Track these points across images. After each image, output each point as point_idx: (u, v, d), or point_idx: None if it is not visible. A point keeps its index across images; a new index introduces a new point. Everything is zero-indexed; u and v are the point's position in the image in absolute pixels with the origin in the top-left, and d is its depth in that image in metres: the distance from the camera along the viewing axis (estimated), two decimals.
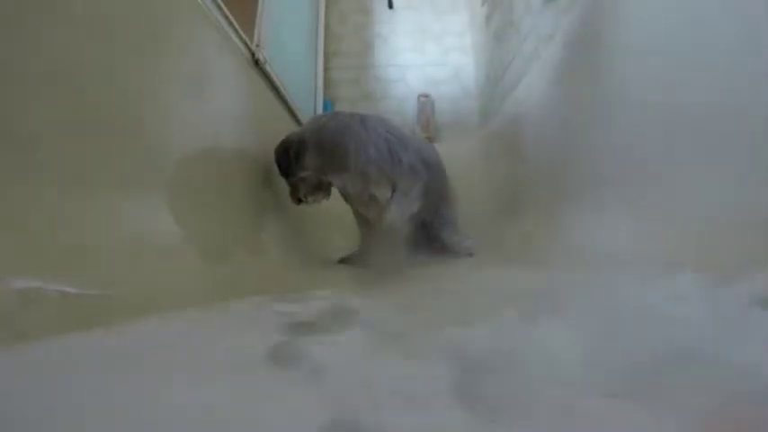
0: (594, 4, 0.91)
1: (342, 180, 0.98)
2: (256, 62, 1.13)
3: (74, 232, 0.45)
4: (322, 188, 1.00)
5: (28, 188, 0.42)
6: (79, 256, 0.45)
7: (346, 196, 1.07)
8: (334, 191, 1.05)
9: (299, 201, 1.00)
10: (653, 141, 0.69)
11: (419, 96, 2.18)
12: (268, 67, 1.18)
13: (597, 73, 0.87)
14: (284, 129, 0.93)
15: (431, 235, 1.18)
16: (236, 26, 1.00)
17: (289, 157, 0.94)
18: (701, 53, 0.60)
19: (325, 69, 2.17)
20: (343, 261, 1.15)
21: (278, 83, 1.28)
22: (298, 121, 1.46)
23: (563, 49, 1.04)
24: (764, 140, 0.49)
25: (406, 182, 1.00)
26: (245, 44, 1.07)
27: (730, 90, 0.55)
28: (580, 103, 0.94)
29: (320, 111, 1.98)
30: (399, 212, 1.00)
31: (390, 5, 2.32)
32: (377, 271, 0.96)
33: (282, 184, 1.02)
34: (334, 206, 1.13)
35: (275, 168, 0.99)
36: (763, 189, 0.48)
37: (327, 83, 2.17)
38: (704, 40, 0.59)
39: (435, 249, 1.24)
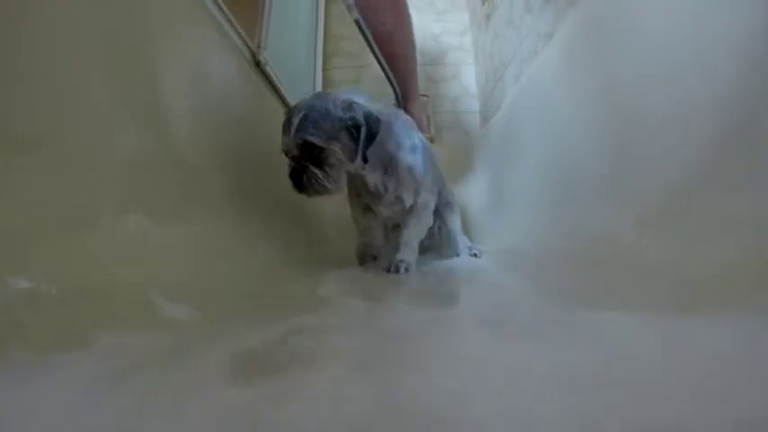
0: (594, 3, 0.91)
1: (376, 174, 0.91)
2: (257, 64, 1.13)
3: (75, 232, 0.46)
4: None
5: (29, 187, 0.42)
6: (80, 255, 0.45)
7: (361, 187, 0.97)
8: None
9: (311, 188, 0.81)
10: (652, 141, 0.70)
11: (419, 96, 2.18)
12: (269, 68, 1.19)
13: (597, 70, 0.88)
14: None
15: (432, 234, 1.18)
16: (239, 28, 1.00)
17: (331, 116, 0.77)
18: (702, 52, 0.60)
19: (325, 69, 2.17)
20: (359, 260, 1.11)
21: (278, 84, 1.28)
22: None
23: (562, 47, 1.04)
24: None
25: (427, 194, 1.00)
26: (247, 46, 1.07)
27: (732, 90, 0.55)
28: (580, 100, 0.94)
29: None
30: (417, 232, 1.00)
31: None
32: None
33: (280, 186, 1.00)
34: (332, 206, 1.13)
35: (275, 169, 0.96)
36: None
37: (327, 83, 2.16)
38: (706, 40, 0.60)
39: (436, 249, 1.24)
